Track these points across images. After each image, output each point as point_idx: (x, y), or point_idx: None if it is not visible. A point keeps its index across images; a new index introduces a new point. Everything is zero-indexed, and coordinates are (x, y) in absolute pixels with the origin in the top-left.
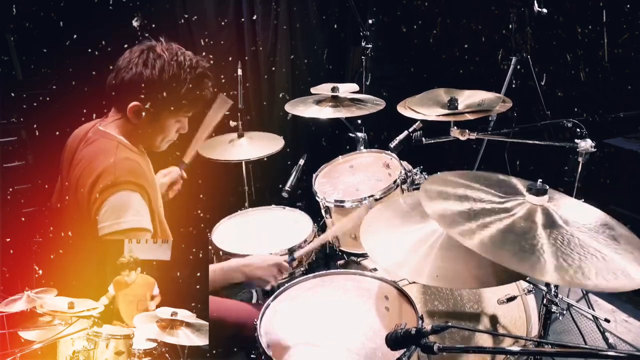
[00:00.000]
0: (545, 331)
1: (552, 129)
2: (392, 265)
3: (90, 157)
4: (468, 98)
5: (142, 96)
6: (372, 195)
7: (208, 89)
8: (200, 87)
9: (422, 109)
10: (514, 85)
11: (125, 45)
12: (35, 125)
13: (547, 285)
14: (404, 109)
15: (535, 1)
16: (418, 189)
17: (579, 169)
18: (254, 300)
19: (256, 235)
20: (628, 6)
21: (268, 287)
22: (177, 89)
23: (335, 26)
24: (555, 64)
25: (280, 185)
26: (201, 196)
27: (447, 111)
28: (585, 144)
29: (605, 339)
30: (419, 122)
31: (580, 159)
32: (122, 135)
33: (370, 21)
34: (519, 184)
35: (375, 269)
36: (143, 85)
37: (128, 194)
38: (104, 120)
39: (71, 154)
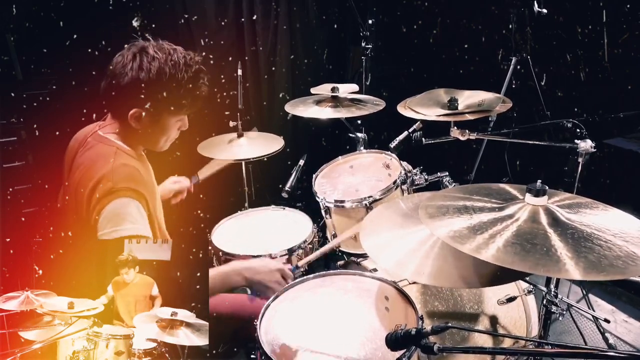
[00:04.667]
0: (545, 331)
1: (552, 129)
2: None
3: (88, 162)
4: (468, 98)
5: (142, 101)
6: (371, 196)
7: (204, 84)
8: (198, 84)
9: (422, 109)
10: (514, 86)
11: (125, 46)
12: (35, 125)
13: (547, 285)
14: (404, 109)
15: (535, 1)
16: (418, 189)
17: (579, 169)
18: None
19: (256, 235)
20: (628, 6)
21: (270, 294)
22: (176, 89)
23: (335, 26)
24: (555, 64)
25: (280, 186)
26: (201, 196)
27: (447, 111)
28: (585, 144)
29: (605, 340)
30: (419, 122)
31: (580, 159)
32: (121, 140)
33: (370, 21)
34: (511, 189)
35: (375, 270)
36: (141, 89)
37: (125, 201)
38: (103, 124)
39: (71, 156)
